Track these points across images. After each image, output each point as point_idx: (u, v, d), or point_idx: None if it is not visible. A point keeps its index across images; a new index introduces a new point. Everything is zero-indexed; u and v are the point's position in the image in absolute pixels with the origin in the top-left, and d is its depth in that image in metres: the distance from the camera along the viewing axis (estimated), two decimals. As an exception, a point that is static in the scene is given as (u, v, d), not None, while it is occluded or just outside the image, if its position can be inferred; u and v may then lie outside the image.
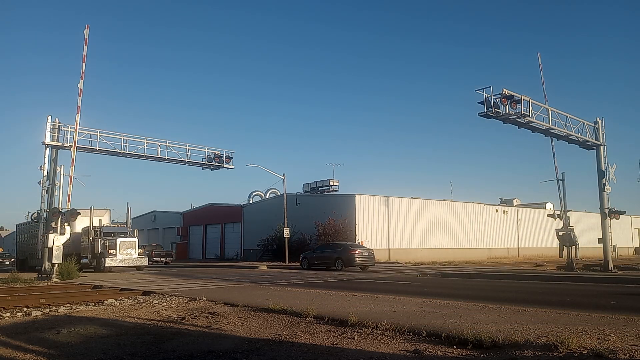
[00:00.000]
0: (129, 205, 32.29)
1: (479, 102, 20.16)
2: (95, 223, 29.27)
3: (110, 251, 27.50)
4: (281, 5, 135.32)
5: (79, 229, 28.86)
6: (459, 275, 21.57)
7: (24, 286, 17.52)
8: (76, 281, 19.53)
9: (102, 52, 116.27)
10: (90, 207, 28.51)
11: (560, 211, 25.97)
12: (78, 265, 23.73)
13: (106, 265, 27.11)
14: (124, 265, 27.95)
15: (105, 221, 31.41)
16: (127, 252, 27.99)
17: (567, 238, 24.76)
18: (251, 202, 58.94)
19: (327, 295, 12.01)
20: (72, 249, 26.04)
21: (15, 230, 44.73)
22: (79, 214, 23.12)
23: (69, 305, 11.40)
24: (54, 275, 20.61)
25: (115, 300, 12.11)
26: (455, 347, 6.06)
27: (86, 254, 28.49)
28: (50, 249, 20.93)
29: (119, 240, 27.96)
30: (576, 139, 23.91)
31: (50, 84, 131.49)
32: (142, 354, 6.16)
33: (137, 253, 28.59)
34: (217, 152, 31.11)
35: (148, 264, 33.60)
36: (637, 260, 38.44)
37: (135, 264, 28.42)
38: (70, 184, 21.97)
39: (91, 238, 28.32)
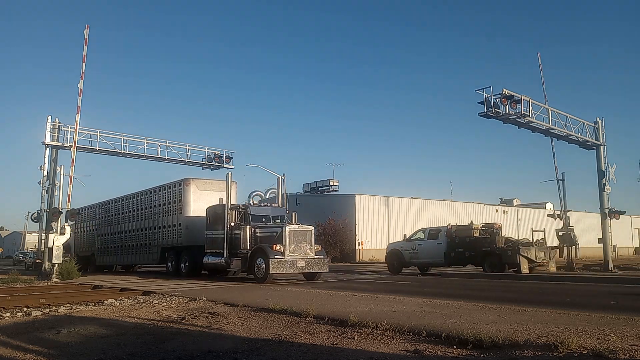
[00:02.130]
0: (283, 177, 21.80)
1: (479, 102, 20.17)
2: (216, 201, 20.22)
3: (277, 247, 16.41)
4: (282, 4, 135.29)
5: (199, 208, 20.56)
6: (459, 275, 21.56)
7: (24, 286, 17.53)
8: (76, 281, 19.53)
9: (102, 52, 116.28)
10: (228, 174, 18.93)
11: (560, 211, 25.97)
12: (192, 266, 20.63)
13: (270, 270, 16.07)
14: (296, 270, 16.93)
15: (232, 197, 20.19)
16: (301, 250, 16.91)
17: (567, 238, 24.76)
18: (251, 202, 58.90)
19: (327, 295, 12.01)
20: (188, 239, 21.08)
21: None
22: (79, 213, 23.14)
23: (69, 305, 11.40)
24: (54, 275, 20.60)
25: (115, 300, 12.10)
26: (455, 347, 6.06)
27: (216, 249, 18.78)
28: (50, 249, 20.93)
29: (287, 229, 16.74)
30: (576, 139, 23.90)
31: (50, 84, 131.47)
32: (142, 354, 6.16)
33: (314, 251, 17.37)
34: (217, 152, 31.13)
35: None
36: (637, 260, 38.44)
37: (312, 269, 17.24)
38: (70, 184, 21.96)
39: (232, 223, 17.87)
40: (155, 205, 23.72)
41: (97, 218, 29.51)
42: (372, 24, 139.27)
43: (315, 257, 17.28)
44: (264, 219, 18.53)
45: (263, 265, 16.46)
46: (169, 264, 22.43)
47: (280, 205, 20.36)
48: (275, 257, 16.25)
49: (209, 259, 19.32)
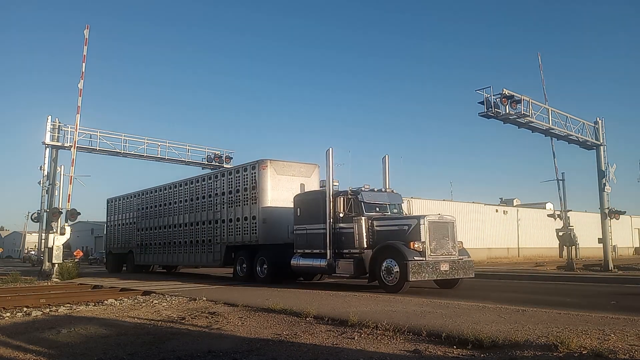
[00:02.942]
0: (387, 158, 16.90)
1: (479, 102, 20.17)
2: (296, 188, 16.97)
3: (415, 245, 12.45)
4: (282, 5, 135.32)
5: (277, 197, 16.92)
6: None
7: (24, 286, 17.54)
8: (76, 281, 19.53)
9: (102, 52, 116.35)
10: (329, 150, 14.55)
11: (560, 211, 25.96)
12: (273, 269, 16.23)
13: (410, 276, 12.04)
14: (439, 276, 12.75)
15: (314, 183, 17.83)
16: (443, 248, 12.96)
17: (567, 238, 24.76)
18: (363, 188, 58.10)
19: (327, 295, 12.01)
20: (266, 235, 16.68)
21: (106, 207, 28.57)
22: (79, 213, 23.07)
23: (69, 305, 11.41)
24: (54, 275, 20.60)
25: (115, 300, 12.11)
26: (455, 347, 6.06)
27: (310, 247, 14.90)
28: (50, 249, 20.93)
29: (426, 220, 12.82)
30: (576, 139, 23.90)
31: (50, 84, 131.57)
32: (142, 354, 6.16)
33: (457, 249, 13.38)
34: (217, 152, 31.16)
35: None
36: (637, 260, 38.42)
37: (456, 274, 13.05)
38: (70, 184, 21.96)
39: (340, 214, 13.88)
40: (217, 194, 19.14)
41: (136, 210, 25.23)
42: (372, 25, 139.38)
43: (460, 257, 13.25)
44: (377, 208, 14.28)
45: (396, 269, 12.30)
46: (238, 266, 17.92)
47: (391, 190, 15.57)
48: (415, 258, 12.17)
49: (299, 260, 15.21)
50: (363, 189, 14.46)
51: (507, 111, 20.39)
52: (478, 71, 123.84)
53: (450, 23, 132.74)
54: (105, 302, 11.78)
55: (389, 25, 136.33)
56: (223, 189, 18.93)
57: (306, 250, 15.12)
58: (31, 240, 71.77)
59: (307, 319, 8.37)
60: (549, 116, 22.42)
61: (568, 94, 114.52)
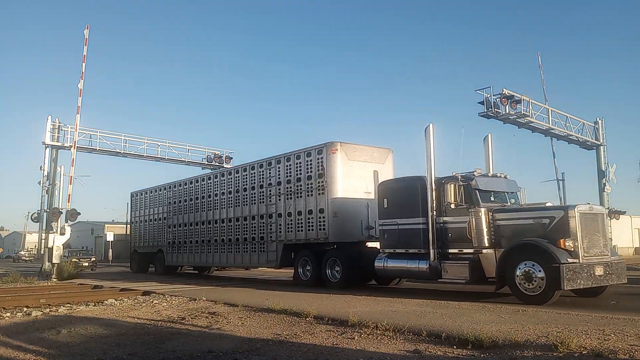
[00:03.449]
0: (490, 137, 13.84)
1: (479, 102, 20.21)
2: (369, 175, 14.60)
3: (565, 244, 9.68)
4: (283, 5, 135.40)
5: (349, 187, 14.56)
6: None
7: (24, 286, 17.54)
8: (76, 281, 19.53)
9: (102, 52, 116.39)
10: (428, 125, 12.05)
11: (561, 211, 25.93)
12: (349, 272, 13.67)
13: (565, 284, 9.27)
14: (594, 283, 9.89)
15: (388, 171, 15.38)
16: (596, 247, 10.22)
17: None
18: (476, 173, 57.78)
19: (327, 295, 12.01)
20: (338, 231, 14.23)
21: (130, 202, 26.31)
22: (79, 213, 22.99)
23: (69, 305, 11.41)
24: (53, 275, 20.62)
25: (115, 300, 12.11)
26: (455, 347, 6.06)
27: (404, 246, 12.38)
28: (50, 249, 20.94)
29: (577, 211, 9.99)
30: (576, 139, 23.94)
31: (50, 84, 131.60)
32: (142, 354, 6.16)
33: (608, 247, 10.81)
34: (217, 152, 31.23)
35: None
36: (637, 260, 38.42)
37: (609, 279, 10.23)
38: (70, 184, 22.00)
39: (453, 204, 11.35)
40: (271, 184, 16.45)
41: (167, 204, 22.50)
42: (372, 24, 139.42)
43: (613, 258, 10.49)
44: (492, 198, 11.71)
45: (541, 275, 9.60)
46: (300, 269, 15.21)
47: (504, 175, 12.62)
48: (569, 261, 9.48)
49: (386, 262, 12.57)
50: (475, 173, 11.85)
51: (507, 111, 20.44)
52: (478, 71, 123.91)
53: (450, 23, 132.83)
54: (105, 302, 11.78)
55: (389, 24, 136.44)
56: (279, 177, 16.12)
57: (397, 250, 12.44)
58: (31, 240, 71.83)
59: (307, 319, 8.37)
60: (548, 116, 22.47)
61: (568, 94, 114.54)
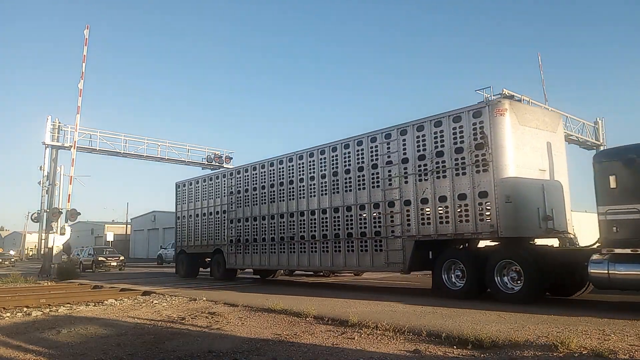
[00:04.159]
0: None
1: (479, 102, 20.16)
2: (542, 147, 11.58)
3: None
4: (285, 3, 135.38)
5: (524, 162, 11.12)
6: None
7: (24, 286, 17.53)
8: (76, 281, 19.53)
9: (102, 51, 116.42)
10: None
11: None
12: (537, 282, 9.86)
13: None
14: None
15: (560, 142, 12.65)
16: None
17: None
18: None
19: (327, 295, 12.00)
20: (514, 223, 10.63)
21: (175, 194, 21.76)
22: (79, 213, 22.90)
23: (69, 305, 11.41)
24: (53, 275, 20.62)
25: (115, 300, 12.11)
26: (455, 347, 6.06)
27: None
28: (51, 249, 20.95)
29: None
30: (576, 139, 23.94)
31: (50, 84, 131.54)
32: (142, 354, 6.16)
33: None
34: (217, 152, 31.28)
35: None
36: None
37: None
38: (70, 184, 22.03)
39: None
40: (391, 162, 12.68)
41: (227, 194, 18.66)
42: (372, 22, 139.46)
43: None
44: None
45: None
46: (445, 274, 11.30)
47: None
48: None
49: (615, 268, 8.75)
50: None
51: (508, 111, 20.35)
52: (478, 71, 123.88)
53: (450, 23, 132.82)
54: (105, 302, 11.77)
55: (389, 23, 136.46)
56: (404, 153, 12.39)
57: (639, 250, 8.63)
58: (31, 240, 71.85)
59: (307, 319, 8.36)
60: (549, 116, 22.42)
61: (568, 94, 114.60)
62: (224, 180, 18.98)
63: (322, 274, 18.90)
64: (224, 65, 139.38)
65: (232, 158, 31.57)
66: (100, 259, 29.36)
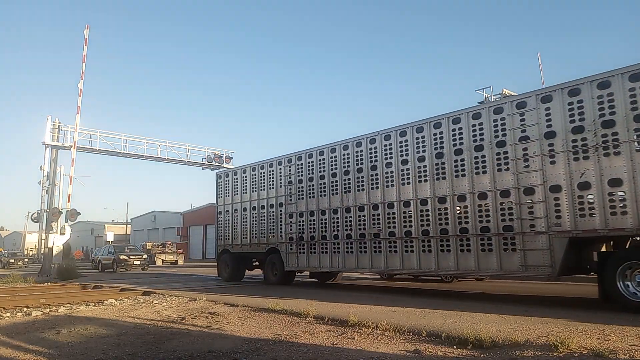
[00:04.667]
0: None
1: (479, 102, 20.19)
2: None
3: None
4: (284, 5, 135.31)
5: None
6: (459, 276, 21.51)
7: (24, 286, 17.53)
8: (76, 281, 19.53)
9: (102, 51, 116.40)
10: None
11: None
12: None
13: None
14: None
15: None
16: None
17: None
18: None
19: (327, 295, 12.01)
20: None
21: (216, 185, 19.34)
22: (79, 213, 22.99)
23: (69, 305, 11.41)
24: (53, 275, 20.63)
25: (115, 300, 12.10)
26: (455, 347, 6.06)
27: None
28: (51, 249, 20.96)
29: None
30: (576, 139, 23.84)
31: (50, 84, 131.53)
32: (142, 354, 6.16)
33: None
34: (217, 152, 31.29)
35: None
36: None
37: None
38: (70, 184, 22.06)
39: None
40: (527, 138, 10.13)
41: (283, 184, 16.01)
42: (374, 26, 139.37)
43: None
44: None
45: None
46: (619, 282, 8.72)
47: None
48: None
49: None
50: None
51: (508, 111, 20.32)
52: (478, 71, 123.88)
53: (450, 23, 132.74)
54: (106, 302, 11.77)
55: (389, 25, 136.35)
56: (547, 126, 9.78)
57: None
58: (31, 240, 71.92)
59: (307, 319, 8.36)
60: (549, 116, 22.38)
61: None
62: (281, 168, 16.25)
63: (444, 278, 15.94)
64: (225, 65, 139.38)
65: (232, 158, 31.61)
66: (121, 257, 27.25)
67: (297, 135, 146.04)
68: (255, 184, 17.32)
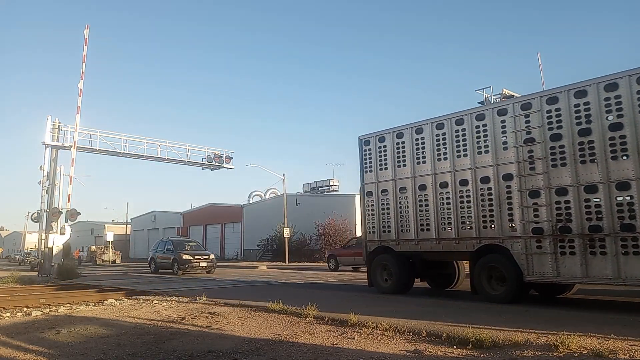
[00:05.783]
0: None
1: (478, 103, 20.17)
2: None
3: None
4: (284, 4, 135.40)
5: None
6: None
7: (24, 286, 17.52)
8: (76, 281, 19.51)
9: (102, 51, 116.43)
10: None
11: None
12: None
13: None
14: None
15: None
16: None
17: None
18: (251, 202, 58.95)
19: (327, 295, 12.00)
20: None
21: (360, 155, 13.02)
22: (79, 213, 22.94)
23: (69, 305, 11.40)
24: (53, 275, 20.61)
25: (115, 300, 12.10)
26: (455, 347, 6.06)
27: None
28: (50, 249, 20.95)
29: None
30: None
31: (50, 84, 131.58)
32: (142, 354, 6.16)
33: None
34: (217, 152, 31.25)
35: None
36: None
37: None
38: (70, 184, 22.05)
39: None
40: None
41: (515, 144, 10.06)
42: (373, 23, 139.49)
43: None
44: None
45: None
46: None
47: None
48: None
49: None
50: None
51: (508, 111, 20.21)
52: (478, 71, 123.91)
53: (450, 23, 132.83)
54: (105, 302, 11.76)
55: (389, 25, 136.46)
56: None
57: None
58: (31, 240, 71.87)
59: (307, 319, 8.36)
60: (549, 116, 22.34)
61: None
62: (504, 120, 10.43)
63: None
64: (225, 65, 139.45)
65: (232, 158, 31.55)
66: (184, 257, 20.68)
67: (298, 134, 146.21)
68: (441, 150, 11.60)
